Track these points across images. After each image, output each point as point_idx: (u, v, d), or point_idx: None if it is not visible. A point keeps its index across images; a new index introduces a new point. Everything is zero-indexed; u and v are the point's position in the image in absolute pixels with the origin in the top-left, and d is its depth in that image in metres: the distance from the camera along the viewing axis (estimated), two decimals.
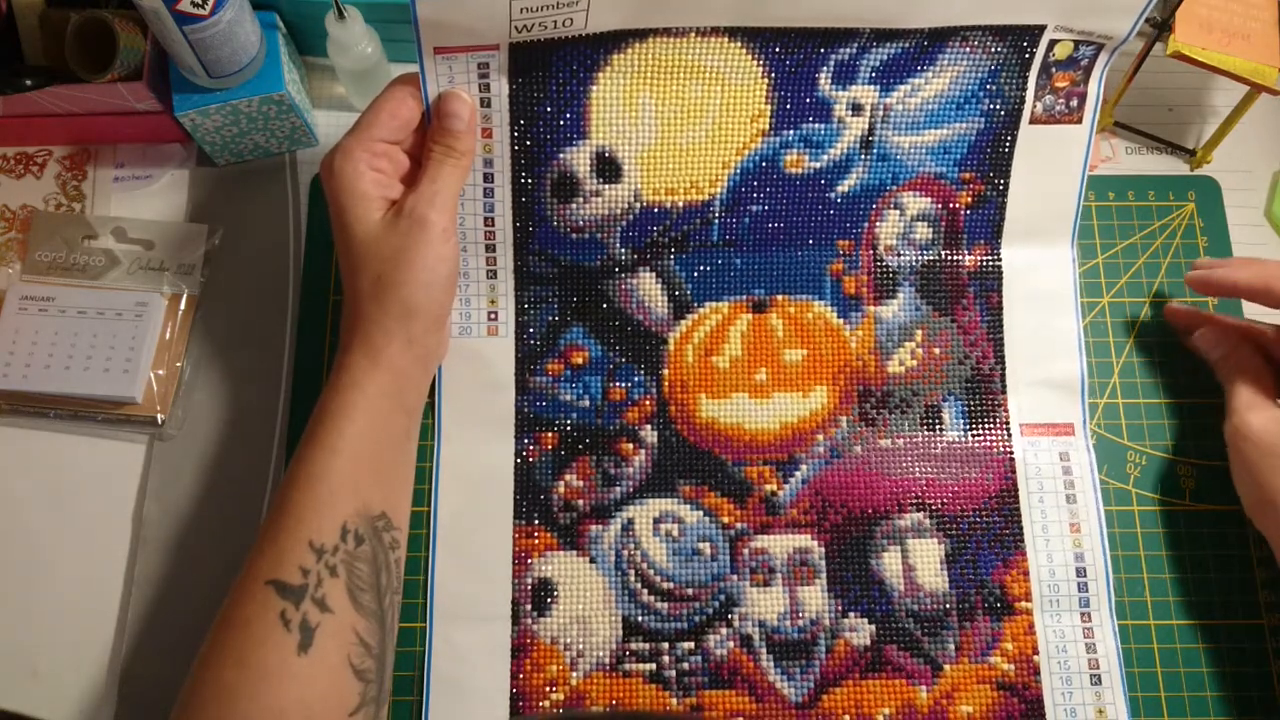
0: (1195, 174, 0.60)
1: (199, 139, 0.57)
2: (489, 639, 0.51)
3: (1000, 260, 0.56)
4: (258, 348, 0.57)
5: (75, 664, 0.52)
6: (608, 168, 0.53)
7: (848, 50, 0.51)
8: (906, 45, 0.51)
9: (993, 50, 0.52)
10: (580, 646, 0.51)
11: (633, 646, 0.51)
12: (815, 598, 0.51)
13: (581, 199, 0.53)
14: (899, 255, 0.55)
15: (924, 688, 0.50)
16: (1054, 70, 0.53)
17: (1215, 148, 0.59)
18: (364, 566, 0.45)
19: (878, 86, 0.53)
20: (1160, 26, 0.57)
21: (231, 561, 0.53)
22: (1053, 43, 0.52)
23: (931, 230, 0.55)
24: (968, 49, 0.52)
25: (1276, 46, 0.53)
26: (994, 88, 0.53)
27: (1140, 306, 0.57)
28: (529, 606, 0.51)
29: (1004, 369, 0.55)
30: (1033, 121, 0.54)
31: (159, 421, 0.55)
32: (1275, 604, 0.52)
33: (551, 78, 0.50)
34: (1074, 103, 0.54)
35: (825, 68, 0.52)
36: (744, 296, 0.55)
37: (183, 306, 0.57)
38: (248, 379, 0.56)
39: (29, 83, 0.54)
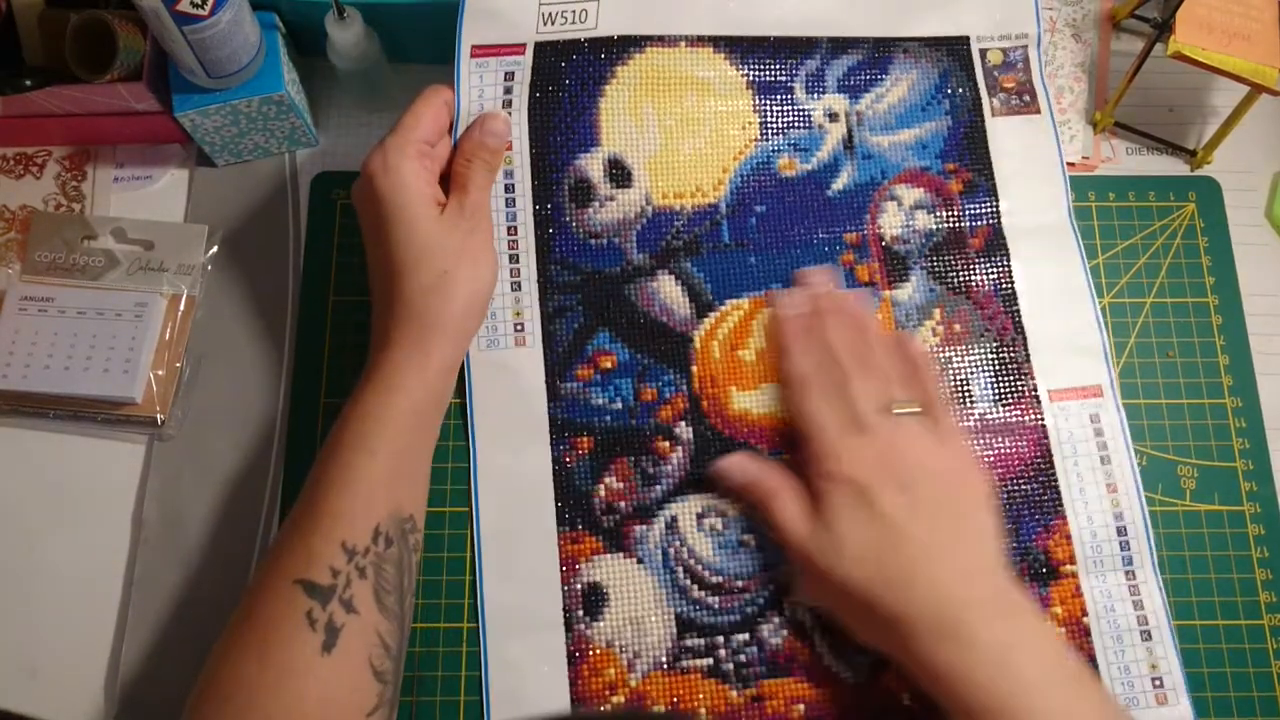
0: (1195, 174, 0.60)
1: (199, 139, 0.57)
2: (544, 648, 0.51)
3: (1005, 238, 0.57)
4: (258, 348, 0.57)
5: (75, 664, 0.52)
6: (619, 172, 0.56)
7: (813, 62, 0.58)
8: (860, 56, 0.58)
9: (936, 60, 0.58)
10: (636, 647, 0.51)
11: (688, 643, 0.51)
12: None
13: (598, 203, 0.56)
14: (905, 243, 0.57)
15: None
16: (996, 74, 0.59)
17: (1215, 148, 0.59)
18: (390, 569, 0.45)
19: (846, 95, 0.58)
20: (1160, 27, 0.57)
21: (231, 561, 0.53)
22: (983, 51, 0.59)
23: (932, 217, 0.57)
24: (912, 60, 0.58)
25: (1276, 47, 0.53)
26: (950, 90, 0.58)
27: (1140, 306, 0.57)
28: (581, 612, 0.51)
29: (1025, 339, 0.55)
30: (995, 115, 0.58)
31: (159, 421, 0.55)
32: (1275, 604, 0.52)
33: (564, 91, 0.56)
34: (1027, 98, 0.59)
35: (798, 79, 0.58)
36: (762, 291, 0.56)
37: (182, 306, 0.57)
38: (248, 379, 0.56)
39: (29, 83, 0.54)
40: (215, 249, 0.58)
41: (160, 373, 0.55)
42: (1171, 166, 0.60)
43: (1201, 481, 0.54)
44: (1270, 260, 0.58)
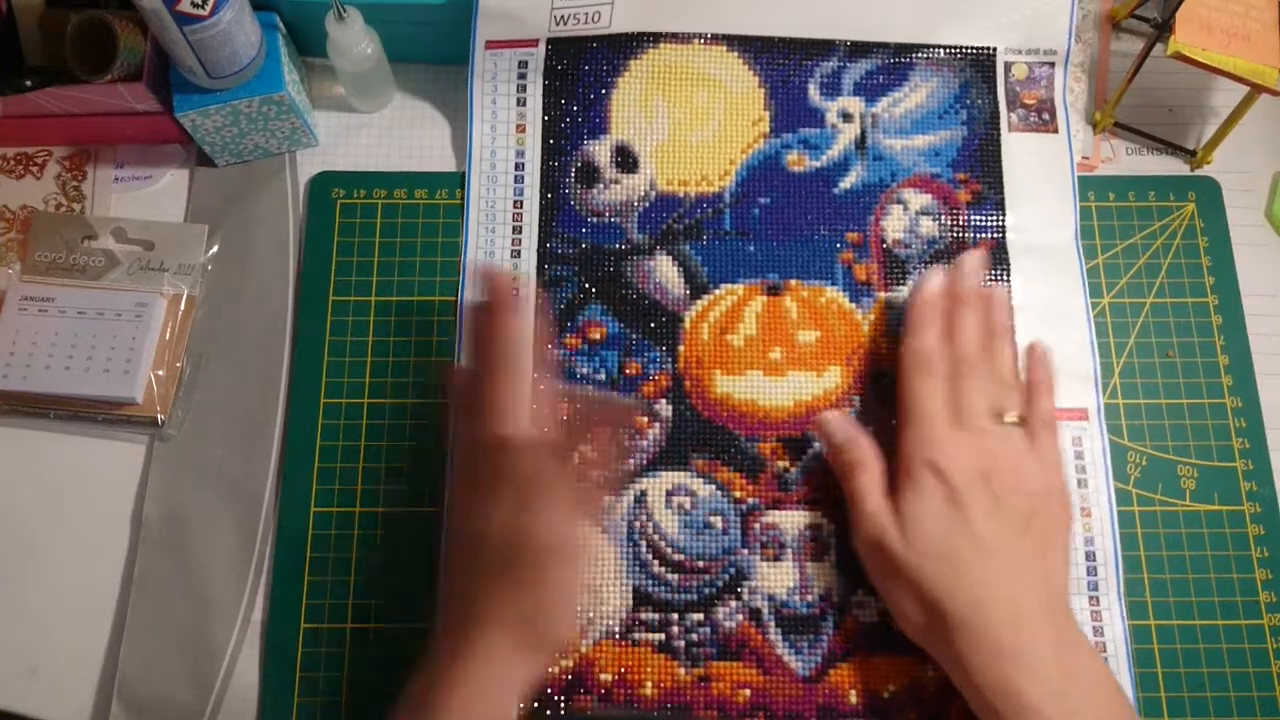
0: (1195, 174, 0.60)
1: (199, 139, 0.57)
2: None
3: (1007, 253, 0.56)
4: (258, 348, 0.57)
5: (74, 664, 0.52)
6: (626, 159, 0.58)
7: (830, 64, 0.59)
8: (880, 62, 0.58)
9: (958, 69, 0.58)
10: (590, 614, 0.51)
11: (642, 616, 0.51)
12: (825, 574, 0.52)
13: (602, 185, 0.57)
14: (907, 247, 0.57)
15: (931, 666, 0.50)
16: (1019, 89, 0.58)
17: (1215, 148, 0.59)
18: None
19: (862, 98, 0.58)
20: (1160, 27, 0.57)
21: (231, 561, 0.53)
22: (1008, 64, 0.59)
23: (936, 225, 0.57)
24: (933, 68, 0.58)
25: (1276, 47, 0.53)
26: (969, 101, 0.58)
27: (1140, 306, 0.57)
28: None
29: (1015, 355, 0.55)
30: (1012, 130, 0.58)
31: (159, 422, 0.55)
32: (1275, 604, 0.52)
33: (579, 80, 0.58)
34: (1046, 116, 0.59)
35: (813, 80, 0.59)
36: (758, 280, 0.56)
37: (183, 306, 0.57)
38: (248, 379, 0.56)
39: (29, 83, 0.54)
40: (215, 249, 0.58)
41: (160, 373, 0.55)
42: (1171, 166, 0.60)
43: (1201, 481, 0.54)
44: (1270, 260, 0.58)
